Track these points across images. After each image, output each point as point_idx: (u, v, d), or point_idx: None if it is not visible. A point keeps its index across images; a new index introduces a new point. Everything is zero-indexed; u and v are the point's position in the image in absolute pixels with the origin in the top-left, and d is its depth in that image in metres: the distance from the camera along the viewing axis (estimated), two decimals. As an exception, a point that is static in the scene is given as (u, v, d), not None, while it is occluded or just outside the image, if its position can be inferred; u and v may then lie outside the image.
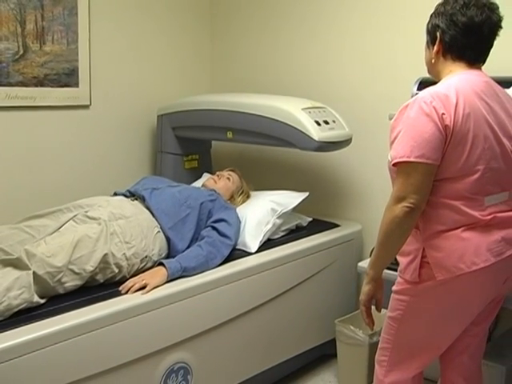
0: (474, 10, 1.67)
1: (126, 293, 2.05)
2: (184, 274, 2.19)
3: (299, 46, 3.20)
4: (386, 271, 1.78)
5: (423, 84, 2.33)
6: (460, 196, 1.63)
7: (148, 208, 2.39)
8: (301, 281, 2.63)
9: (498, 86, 1.76)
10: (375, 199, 2.92)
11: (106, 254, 2.08)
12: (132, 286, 2.07)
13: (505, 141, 1.68)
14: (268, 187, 3.01)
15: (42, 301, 1.92)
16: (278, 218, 2.66)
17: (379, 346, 1.87)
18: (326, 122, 2.69)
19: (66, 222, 2.19)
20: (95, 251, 2.06)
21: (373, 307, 1.82)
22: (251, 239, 2.54)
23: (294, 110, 2.68)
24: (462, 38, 1.70)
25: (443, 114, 1.58)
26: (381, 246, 1.70)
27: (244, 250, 2.52)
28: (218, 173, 2.88)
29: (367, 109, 2.95)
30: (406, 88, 2.48)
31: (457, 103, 1.60)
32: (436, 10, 1.77)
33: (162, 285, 2.11)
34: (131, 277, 2.15)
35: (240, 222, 2.55)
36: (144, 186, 2.54)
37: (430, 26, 1.78)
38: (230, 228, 2.43)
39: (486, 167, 1.63)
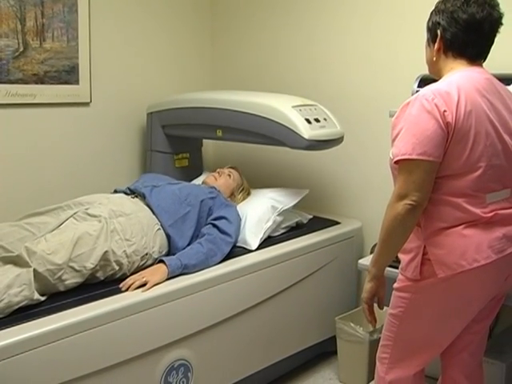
0: (474, 6, 1.66)
1: (127, 290, 2.05)
2: (184, 271, 2.19)
3: (300, 44, 3.19)
4: (387, 269, 1.78)
5: (423, 81, 2.32)
6: (462, 193, 1.63)
7: (148, 205, 2.39)
8: (301, 278, 2.63)
9: (500, 83, 1.76)
10: (375, 196, 2.92)
11: (106, 252, 2.08)
12: (132, 284, 2.07)
13: (506, 138, 1.67)
14: (268, 185, 3.01)
15: (43, 298, 1.92)
16: (278, 215, 2.66)
17: (380, 343, 1.87)
18: (317, 120, 2.64)
19: (67, 220, 2.18)
20: (95, 248, 2.06)
21: (375, 305, 1.82)
22: (251, 236, 2.54)
23: (284, 108, 2.62)
24: (463, 35, 1.69)
25: (445, 111, 1.58)
26: (383, 243, 1.69)
27: (244, 248, 2.52)
28: (218, 170, 2.87)
29: (368, 106, 2.94)
30: (406, 85, 2.48)
31: (458, 100, 1.60)
32: (436, 7, 1.76)
33: (162, 282, 2.11)
34: (131, 274, 2.15)
35: (240, 220, 2.55)
36: (144, 184, 2.53)
37: (430, 23, 1.77)
38: (230, 225, 2.43)
39: (488, 164, 1.63)
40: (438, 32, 1.73)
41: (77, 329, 1.82)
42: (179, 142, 3.20)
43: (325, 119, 2.69)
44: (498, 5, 1.70)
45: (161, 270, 2.14)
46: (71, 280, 2.00)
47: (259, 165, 3.38)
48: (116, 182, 3.07)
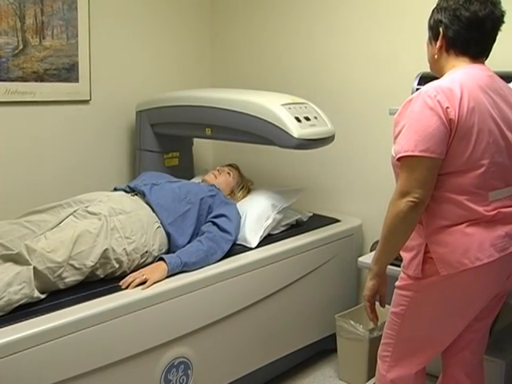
0: (477, 4, 1.66)
1: (127, 288, 2.06)
2: (184, 269, 2.20)
3: (300, 43, 3.19)
4: (388, 267, 1.78)
5: (424, 79, 2.32)
6: (464, 191, 1.62)
7: (148, 203, 2.39)
8: (301, 276, 2.63)
9: (501, 81, 1.75)
10: (375, 194, 2.92)
11: (106, 250, 2.08)
12: (132, 281, 2.07)
13: (509, 135, 1.67)
14: (268, 183, 3.01)
15: (43, 296, 1.92)
16: (278, 213, 2.66)
17: (382, 341, 1.86)
18: (307, 119, 2.57)
19: (67, 217, 2.18)
20: (95, 246, 2.06)
21: (376, 303, 1.82)
22: (251, 234, 2.54)
23: (273, 106, 2.56)
24: (465, 32, 1.68)
25: (447, 107, 1.57)
26: (385, 241, 1.69)
27: (244, 245, 2.52)
28: (218, 168, 2.87)
29: (367, 104, 2.94)
30: (406, 83, 2.48)
31: (461, 97, 1.59)
32: (438, 5, 1.75)
33: (162, 280, 2.11)
34: (131, 272, 2.15)
35: (240, 218, 2.55)
36: (144, 182, 2.53)
37: (432, 21, 1.77)
38: (230, 223, 2.43)
39: (491, 161, 1.63)
40: (440, 30, 1.72)
41: (77, 327, 1.82)
42: (169, 141, 3.14)
43: (315, 117, 2.64)
44: (499, 3, 1.70)
45: (161, 268, 2.14)
46: (71, 278, 2.00)
47: (259, 163, 3.37)
48: (116, 180, 3.07)
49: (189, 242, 2.35)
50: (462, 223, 1.63)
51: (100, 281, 2.10)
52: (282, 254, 2.52)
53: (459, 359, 1.88)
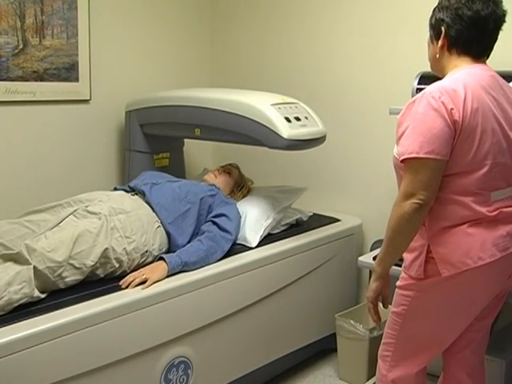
0: (479, 3, 1.65)
1: (127, 287, 2.05)
2: (184, 268, 2.20)
3: (300, 43, 3.19)
4: (390, 266, 1.78)
5: (424, 78, 2.32)
6: (468, 191, 1.62)
7: (148, 203, 2.39)
8: (301, 275, 2.63)
9: (503, 80, 1.75)
10: (375, 194, 2.92)
11: (106, 249, 2.07)
12: (132, 281, 2.07)
13: (511, 134, 1.67)
14: (268, 182, 3.01)
15: (43, 295, 1.91)
16: (278, 212, 2.66)
17: (382, 340, 1.86)
18: (298, 119, 2.51)
19: (67, 217, 2.18)
20: (95, 246, 2.06)
21: (379, 303, 1.82)
22: (251, 234, 2.54)
23: (262, 106, 2.50)
24: (467, 32, 1.68)
25: (452, 108, 1.57)
26: (389, 242, 1.68)
27: (244, 245, 2.51)
28: (218, 167, 2.87)
29: (368, 103, 2.94)
30: (406, 83, 2.48)
31: (465, 98, 1.59)
32: (440, 4, 1.75)
33: (162, 279, 2.11)
34: (131, 271, 2.14)
35: (240, 217, 2.55)
36: (144, 181, 2.53)
37: (433, 20, 1.76)
38: (230, 223, 2.43)
39: (494, 162, 1.62)
40: (442, 29, 1.71)
41: (77, 326, 1.82)
42: (158, 142, 3.09)
43: (306, 118, 2.58)
44: (501, 2, 1.70)
45: (161, 268, 2.14)
46: (71, 277, 2.00)
47: (259, 163, 3.37)
48: (116, 180, 3.07)
49: (189, 242, 2.35)
50: (464, 223, 1.63)
51: (100, 280, 2.09)
52: (282, 254, 2.52)
53: (460, 359, 1.88)
